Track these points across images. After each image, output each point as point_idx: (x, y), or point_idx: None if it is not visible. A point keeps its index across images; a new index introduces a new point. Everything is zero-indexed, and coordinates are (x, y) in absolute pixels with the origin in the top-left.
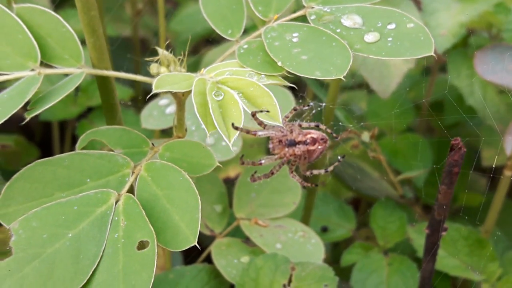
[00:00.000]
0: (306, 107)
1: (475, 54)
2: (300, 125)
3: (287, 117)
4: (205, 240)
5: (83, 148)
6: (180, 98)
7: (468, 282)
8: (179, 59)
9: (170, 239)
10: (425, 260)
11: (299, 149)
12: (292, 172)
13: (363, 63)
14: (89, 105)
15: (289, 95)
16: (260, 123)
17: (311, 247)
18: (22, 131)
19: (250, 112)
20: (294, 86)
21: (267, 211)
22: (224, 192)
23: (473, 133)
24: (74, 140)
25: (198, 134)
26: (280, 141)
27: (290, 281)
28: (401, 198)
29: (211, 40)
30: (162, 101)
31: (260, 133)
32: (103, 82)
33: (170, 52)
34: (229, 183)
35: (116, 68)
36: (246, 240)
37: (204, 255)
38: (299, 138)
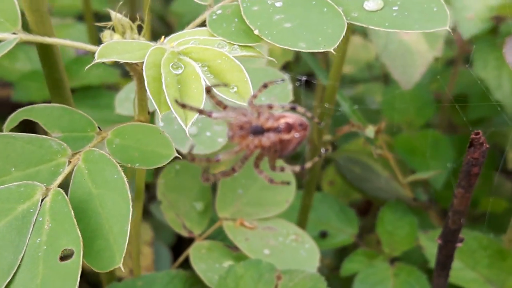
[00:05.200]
0: (279, 82)
1: (506, 41)
2: (270, 107)
3: (255, 96)
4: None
5: (12, 130)
6: (140, 73)
7: None
8: (138, 25)
9: (96, 255)
10: (437, 275)
11: (267, 139)
12: (257, 167)
13: (384, 50)
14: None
15: (287, 82)
16: (219, 103)
17: (304, 253)
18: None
19: (205, 87)
20: (273, 59)
21: (256, 210)
22: (207, 187)
23: (499, 131)
24: None
25: (177, 122)
26: (241, 127)
27: None
28: (414, 201)
29: None
30: None
31: (215, 114)
32: (44, 52)
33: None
34: None
35: None
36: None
37: (181, 259)
38: (269, 124)
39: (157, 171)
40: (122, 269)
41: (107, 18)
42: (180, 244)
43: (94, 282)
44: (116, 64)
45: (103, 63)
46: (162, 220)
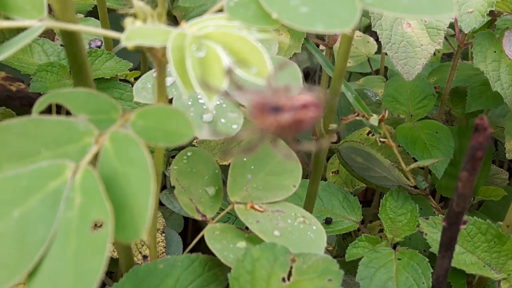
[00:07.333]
0: (293, 63)
1: (505, 34)
2: (285, 88)
3: (272, 78)
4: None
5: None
6: (160, 60)
7: (484, 280)
8: (159, 13)
9: (123, 227)
10: (441, 256)
11: (285, 118)
12: (275, 144)
13: (388, 42)
14: None
15: (297, 69)
16: (239, 86)
17: (312, 235)
18: (30, 107)
19: (226, 68)
20: (284, 40)
21: (264, 194)
22: (218, 173)
23: (497, 123)
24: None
25: (194, 109)
26: (260, 106)
27: (290, 274)
28: (415, 189)
29: None
30: None
31: (236, 94)
32: (68, 38)
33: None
34: None
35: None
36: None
37: (195, 241)
38: (286, 104)
39: (170, 161)
40: (146, 239)
41: (120, 14)
42: (187, 232)
43: (109, 271)
44: (129, 57)
45: (115, 55)
46: (171, 208)
